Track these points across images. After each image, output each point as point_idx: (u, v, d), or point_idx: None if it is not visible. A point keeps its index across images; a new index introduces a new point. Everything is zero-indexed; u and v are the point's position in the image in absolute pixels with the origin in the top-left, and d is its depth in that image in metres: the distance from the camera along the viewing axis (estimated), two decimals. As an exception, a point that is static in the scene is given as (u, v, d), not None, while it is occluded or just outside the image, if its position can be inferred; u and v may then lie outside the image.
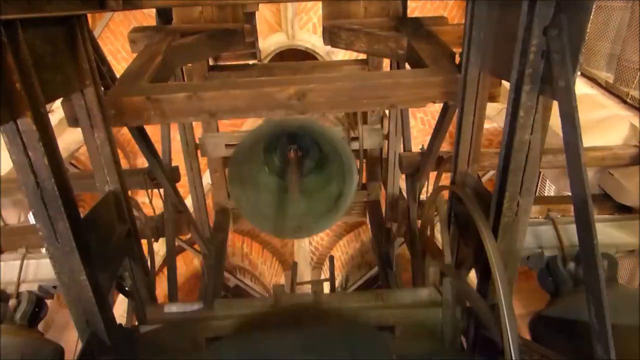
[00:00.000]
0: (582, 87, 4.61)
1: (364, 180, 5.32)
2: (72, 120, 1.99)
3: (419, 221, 3.57)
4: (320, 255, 8.48)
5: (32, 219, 4.86)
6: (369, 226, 5.55)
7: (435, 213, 2.60)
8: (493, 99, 2.10)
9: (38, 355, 2.39)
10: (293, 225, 2.64)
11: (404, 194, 4.10)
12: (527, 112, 1.52)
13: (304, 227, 2.61)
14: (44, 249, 3.19)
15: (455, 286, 2.10)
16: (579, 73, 1.37)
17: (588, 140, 2.02)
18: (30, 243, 2.56)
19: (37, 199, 1.58)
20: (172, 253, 3.42)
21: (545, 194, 6.72)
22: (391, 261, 4.65)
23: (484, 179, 6.64)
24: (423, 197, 3.72)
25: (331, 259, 5.46)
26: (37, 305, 2.60)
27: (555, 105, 1.40)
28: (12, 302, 2.47)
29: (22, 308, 2.49)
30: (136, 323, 2.52)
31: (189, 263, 7.85)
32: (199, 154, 4.36)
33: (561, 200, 3.35)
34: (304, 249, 8.18)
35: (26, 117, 1.42)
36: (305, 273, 7.87)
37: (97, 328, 1.95)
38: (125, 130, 5.10)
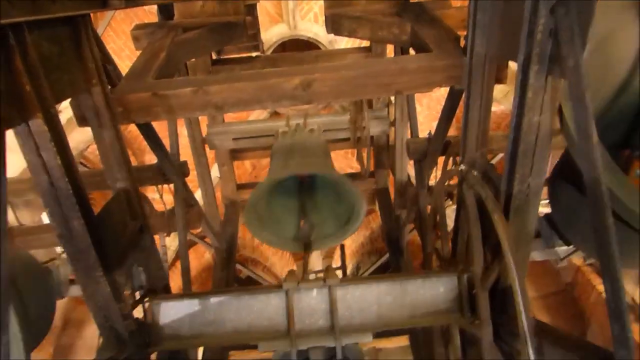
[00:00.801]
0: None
1: (371, 168, 5.32)
2: (81, 119, 2.01)
3: (429, 207, 3.57)
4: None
5: (45, 219, 4.89)
6: (378, 213, 5.56)
7: (445, 198, 2.60)
8: (500, 81, 2.09)
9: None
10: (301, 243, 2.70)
11: (413, 180, 4.10)
12: (535, 93, 1.51)
13: (316, 242, 2.66)
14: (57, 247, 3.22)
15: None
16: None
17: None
18: (45, 242, 2.60)
19: (51, 198, 1.60)
20: (184, 246, 3.44)
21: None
22: (402, 248, 4.66)
23: (492, 162, 6.62)
24: (432, 182, 3.72)
25: (342, 247, 5.48)
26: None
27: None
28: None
29: None
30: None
31: (200, 257, 7.90)
32: (207, 148, 4.37)
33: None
34: (314, 238, 8.23)
35: (37, 118, 1.44)
36: (316, 262, 7.90)
37: (115, 323, 1.99)
38: (132, 127, 5.12)
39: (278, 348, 2.04)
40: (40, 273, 2.71)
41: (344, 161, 8.19)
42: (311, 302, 2.11)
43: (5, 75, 1.34)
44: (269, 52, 7.16)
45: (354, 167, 7.76)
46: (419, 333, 4.17)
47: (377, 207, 5.55)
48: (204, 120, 4.89)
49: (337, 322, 2.05)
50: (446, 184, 2.60)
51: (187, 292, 3.38)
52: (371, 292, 2.18)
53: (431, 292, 2.18)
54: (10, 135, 1.37)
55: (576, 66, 1.26)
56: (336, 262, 8.28)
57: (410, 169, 4.12)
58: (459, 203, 2.22)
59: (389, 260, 5.14)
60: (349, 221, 2.53)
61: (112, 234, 1.97)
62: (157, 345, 2.19)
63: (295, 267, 8.19)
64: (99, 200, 7.06)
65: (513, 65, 1.65)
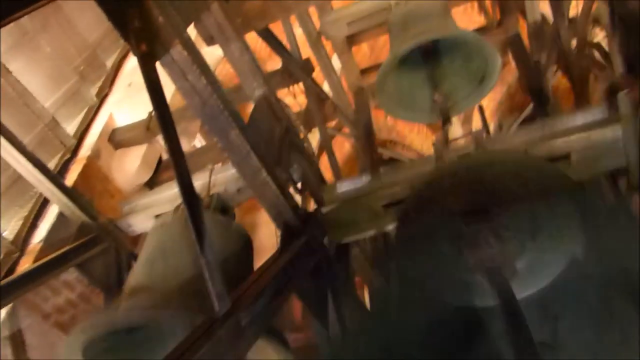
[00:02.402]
0: None
1: (497, 17, 4.88)
2: (209, 39, 2.12)
3: (573, 42, 3.23)
4: (468, 109, 8.22)
5: (197, 145, 5.38)
6: (513, 65, 5.16)
7: (592, 26, 2.33)
8: None
9: (228, 231, 2.71)
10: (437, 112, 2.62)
11: (548, 18, 3.69)
12: None
13: (455, 107, 2.57)
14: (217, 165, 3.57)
15: (633, 97, 1.92)
16: None
17: None
18: (212, 159, 2.90)
19: (206, 116, 1.76)
20: (327, 138, 3.60)
21: None
22: (547, 94, 4.33)
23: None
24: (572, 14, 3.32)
25: (480, 109, 5.27)
26: (224, 206, 2.98)
27: None
28: (205, 200, 2.82)
29: (212, 205, 2.87)
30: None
31: (340, 149, 8.18)
32: (324, 40, 4.34)
33: None
34: (449, 107, 7.99)
35: (176, 45, 1.55)
36: (455, 130, 7.73)
37: (287, 216, 2.21)
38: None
39: None
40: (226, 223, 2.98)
41: (465, 17, 7.60)
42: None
43: (139, 13, 1.45)
44: None
45: (476, 21, 7.17)
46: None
47: (510, 59, 5.14)
48: (313, 14, 4.82)
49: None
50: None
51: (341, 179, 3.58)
52: (520, 143, 2.12)
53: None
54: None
55: None
56: (476, 125, 8.02)
57: (543, 6, 3.70)
58: (612, 23, 1.97)
59: (534, 111, 4.83)
60: (483, 79, 2.41)
61: (264, 139, 2.13)
62: (327, 230, 2.41)
63: (434, 139, 8.11)
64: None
65: None
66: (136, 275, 2.29)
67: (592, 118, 2.05)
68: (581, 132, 2.03)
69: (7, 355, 2.78)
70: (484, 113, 5.49)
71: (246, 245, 2.59)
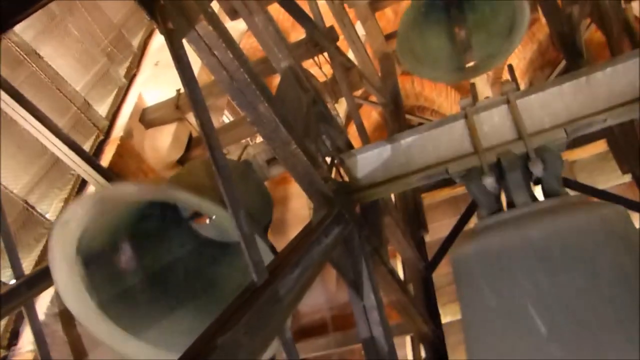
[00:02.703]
0: None
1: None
2: (232, 13, 2.12)
3: (608, -9, 3.09)
4: (496, 70, 7.97)
5: (226, 120, 5.41)
6: (543, 21, 4.98)
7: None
8: None
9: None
10: (469, 66, 2.54)
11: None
12: None
13: (480, 64, 2.49)
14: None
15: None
16: None
17: None
18: (243, 134, 2.93)
19: (234, 90, 1.77)
20: (354, 106, 3.58)
21: None
22: (580, 49, 4.18)
23: None
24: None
25: (509, 68, 5.12)
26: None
27: None
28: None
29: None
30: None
31: (367, 117, 8.12)
32: (346, 7, 4.28)
33: None
34: (477, 68, 7.78)
35: (201, 20, 1.56)
36: (484, 92, 7.55)
37: (318, 186, 2.22)
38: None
39: (467, 166, 2.08)
40: (244, 169, 3.03)
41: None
42: (493, 119, 2.08)
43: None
44: None
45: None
46: (617, 134, 3.86)
47: (540, 14, 4.96)
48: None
49: (523, 129, 2.00)
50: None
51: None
52: (554, 95, 2.06)
53: (625, 79, 1.97)
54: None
55: None
56: (506, 87, 7.80)
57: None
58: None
59: (567, 67, 4.68)
60: (511, 32, 2.32)
61: (292, 110, 2.13)
62: (359, 197, 2.42)
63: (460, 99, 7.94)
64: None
65: None
66: None
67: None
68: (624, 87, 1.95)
69: (58, 330, 2.92)
70: (514, 72, 5.34)
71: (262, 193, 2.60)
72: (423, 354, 3.88)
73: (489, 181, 2.03)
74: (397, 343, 2.30)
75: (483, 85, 7.76)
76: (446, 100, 8.54)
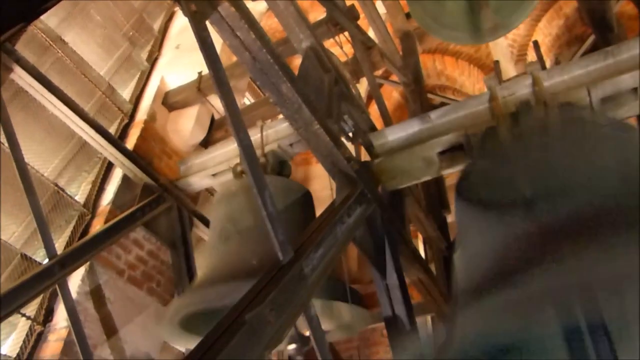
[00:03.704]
0: None
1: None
2: (253, -6, 2.11)
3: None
4: (520, 47, 7.80)
5: (246, 102, 5.43)
6: (571, -6, 4.83)
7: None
8: None
9: (289, 191, 2.80)
10: (487, 27, 2.48)
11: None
12: None
13: (500, 24, 2.43)
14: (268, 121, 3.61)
15: None
16: None
17: None
18: (265, 115, 2.94)
19: (257, 70, 1.79)
20: (375, 85, 3.56)
21: None
22: (610, 23, 4.05)
23: None
24: None
25: (535, 44, 5.00)
26: (281, 161, 3.04)
27: None
28: (262, 160, 2.89)
29: (270, 164, 2.93)
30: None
31: (388, 97, 8.04)
32: (366, -15, 4.21)
33: None
34: (501, 45, 7.58)
35: (223, 2, 1.57)
36: (508, 69, 7.40)
37: (341, 166, 2.23)
38: None
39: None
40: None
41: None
42: (518, 99, 2.05)
43: (186, -27, 1.46)
44: None
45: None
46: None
47: (568, -13, 4.82)
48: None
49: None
50: None
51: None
52: (581, 73, 2.02)
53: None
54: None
55: None
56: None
57: None
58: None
59: (595, 42, 4.54)
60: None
61: (314, 89, 2.14)
62: (381, 177, 2.42)
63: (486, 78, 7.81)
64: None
65: None
66: (214, 250, 2.46)
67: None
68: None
69: (90, 308, 3.02)
70: (539, 49, 5.22)
71: (307, 200, 2.68)
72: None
73: (504, 131, 1.99)
74: (418, 323, 2.32)
75: (506, 62, 7.61)
76: (468, 79, 8.41)
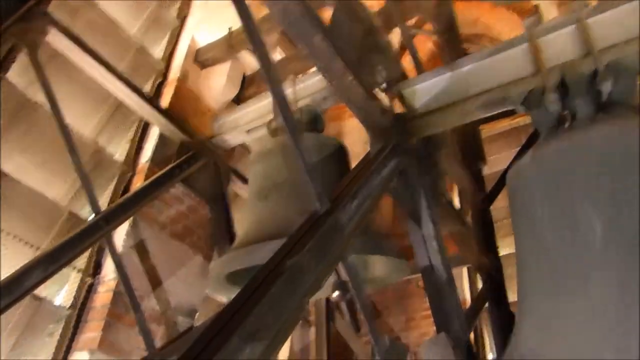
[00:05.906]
0: None
1: None
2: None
3: None
4: (562, -11, 7.42)
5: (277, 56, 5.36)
6: None
7: None
8: None
9: (324, 146, 2.81)
10: None
11: None
12: None
13: None
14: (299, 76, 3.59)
15: None
16: None
17: None
18: (296, 69, 2.92)
19: (289, 23, 1.76)
20: (407, 36, 3.47)
21: None
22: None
23: None
24: None
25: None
26: (315, 116, 3.04)
27: None
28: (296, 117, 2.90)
29: (304, 119, 2.94)
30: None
31: (422, 48, 7.82)
32: None
33: None
34: (541, -12, 7.23)
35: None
36: (549, 12, 7.07)
37: (375, 118, 2.21)
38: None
39: (528, 88, 1.99)
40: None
41: None
42: (560, 40, 1.96)
43: None
44: None
45: None
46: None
47: None
48: None
49: (593, 45, 1.88)
50: None
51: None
52: (628, 10, 1.90)
53: None
54: None
55: None
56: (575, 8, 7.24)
57: None
58: None
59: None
60: None
61: (347, 41, 2.10)
62: (416, 129, 2.39)
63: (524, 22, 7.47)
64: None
65: None
66: (255, 208, 2.53)
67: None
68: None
69: (135, 261, 3.15)
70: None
71: (342, 155, 2.70)
72: (479, 285, 3.92)
73: (552, 99, 1.92)
74: (454, 274, 2.33)
75: (548, 5, 7.24)
76: (507, 25, 8.05)
